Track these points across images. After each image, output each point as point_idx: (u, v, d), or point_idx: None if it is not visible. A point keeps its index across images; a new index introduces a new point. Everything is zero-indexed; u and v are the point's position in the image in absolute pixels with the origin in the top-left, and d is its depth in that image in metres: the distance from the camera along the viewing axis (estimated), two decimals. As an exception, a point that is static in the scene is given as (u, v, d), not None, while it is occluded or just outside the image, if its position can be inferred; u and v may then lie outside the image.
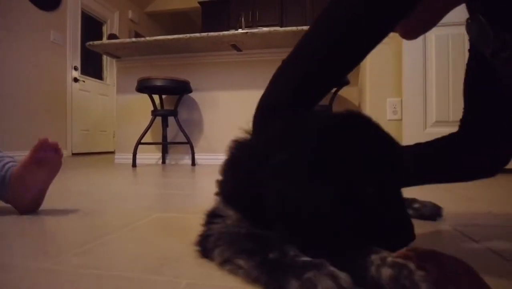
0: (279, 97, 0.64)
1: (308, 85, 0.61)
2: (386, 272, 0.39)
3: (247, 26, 5.25)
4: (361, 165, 0.45)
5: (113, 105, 5.43)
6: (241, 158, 0.55)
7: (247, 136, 0.57)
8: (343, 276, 0.38)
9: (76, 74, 4.54)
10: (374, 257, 0.41)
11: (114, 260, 0.58)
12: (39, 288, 0.47)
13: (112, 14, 5.38)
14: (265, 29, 2.64)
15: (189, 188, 1.63)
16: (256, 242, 0.47)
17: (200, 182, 1.82)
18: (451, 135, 0.78)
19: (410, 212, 0.88)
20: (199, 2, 5.71)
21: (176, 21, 6.94)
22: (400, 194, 0.49)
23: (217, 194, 0.58)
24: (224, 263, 0.50)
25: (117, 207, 1.07)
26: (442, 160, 0.78)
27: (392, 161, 0.47)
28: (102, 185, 1.64)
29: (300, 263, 0.41)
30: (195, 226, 0.58)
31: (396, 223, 0.47)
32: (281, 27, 5.44)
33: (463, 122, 0.76)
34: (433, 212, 0.88)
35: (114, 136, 5.44)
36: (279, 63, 0.66)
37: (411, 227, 0.47)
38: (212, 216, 0.57)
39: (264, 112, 0.64)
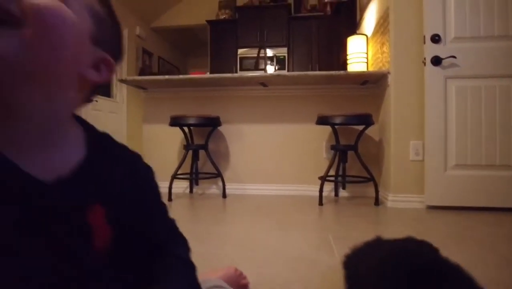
0: None
1: None
2: None
3: (255, 46, 5.41)
4: None
5: (122, 123, 5.49)
6: None
7: None
8: None
9: (90, 95, 4.58)
10: None
11: None
12: None
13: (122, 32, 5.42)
14: (296, 72, 2.81)
15: (252, 243, 1.78)
16: None
17: (261, 228, 1.97)
18: None
19: None
20: (207, 21, 5.82)
21: (181, 36, 7.01)
22: None
23: None
24: None
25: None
26: None
27: None
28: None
29: None
30: None
31: None
32: (288, 48, 5.65)
33: None
34: None
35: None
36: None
37: None
38: None
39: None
